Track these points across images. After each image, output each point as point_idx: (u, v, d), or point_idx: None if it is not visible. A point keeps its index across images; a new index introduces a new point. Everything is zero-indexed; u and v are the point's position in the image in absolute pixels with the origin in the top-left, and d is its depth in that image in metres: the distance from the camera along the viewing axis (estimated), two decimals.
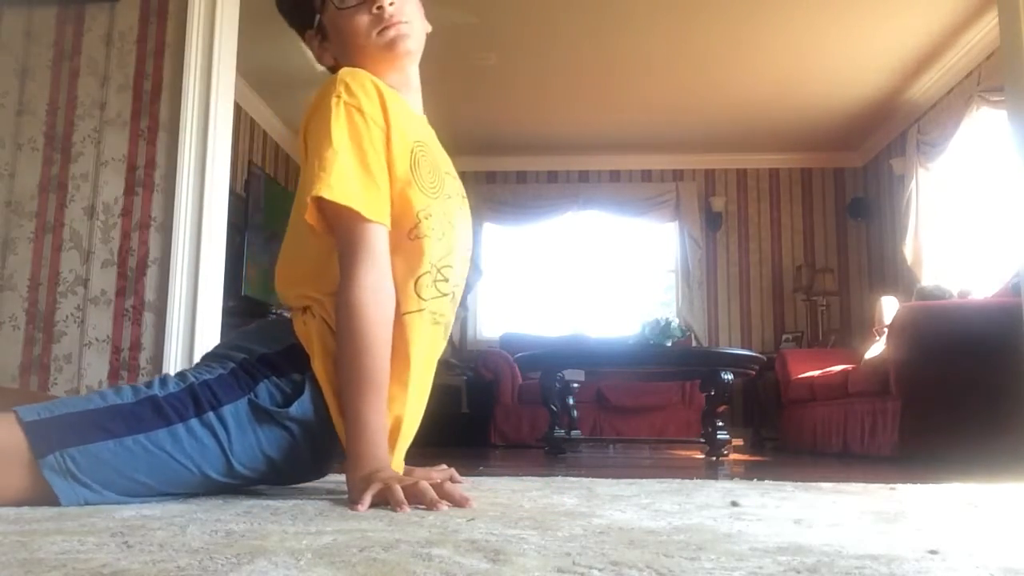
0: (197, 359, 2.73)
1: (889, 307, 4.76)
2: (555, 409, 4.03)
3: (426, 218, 1.31)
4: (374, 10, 1.34)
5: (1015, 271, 3.48)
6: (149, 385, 1.22)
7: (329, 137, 1.24)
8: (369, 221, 1.24)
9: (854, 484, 1.73)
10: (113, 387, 1.24)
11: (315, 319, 1.30)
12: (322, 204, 1.24)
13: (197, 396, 1.20)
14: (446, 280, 1.37)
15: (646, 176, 6.93)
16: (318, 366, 1.27)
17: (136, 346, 2.76)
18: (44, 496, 1.12)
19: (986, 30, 4.53)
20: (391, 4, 1.35)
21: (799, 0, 4.41)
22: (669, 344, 3.97)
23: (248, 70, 4.99)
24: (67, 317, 2.79)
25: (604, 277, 6.98)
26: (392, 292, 1.27)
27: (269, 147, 6.20)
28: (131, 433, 1.15)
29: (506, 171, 6.97)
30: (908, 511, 1.19)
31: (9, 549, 0.73)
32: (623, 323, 6.63)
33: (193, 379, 1.23)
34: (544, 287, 7.00)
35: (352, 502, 1.12)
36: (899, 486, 1.68)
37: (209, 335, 2.81)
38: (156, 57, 2.90)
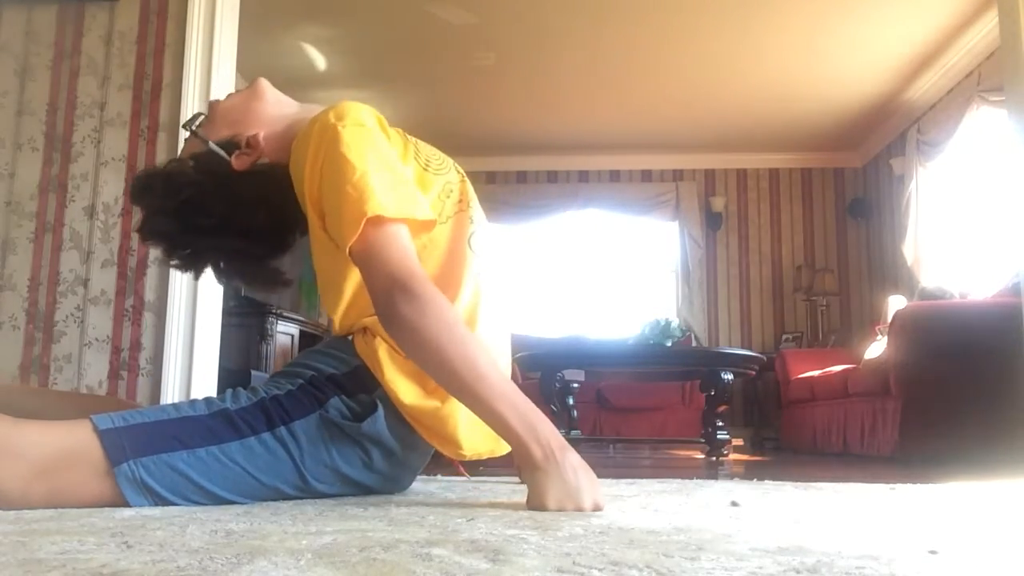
0: (197, 359, 2.75)
1: (896, 306, 4.76)
2: (555, 409, 4.03)
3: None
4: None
5: (1015, 271, 3.48)
6: (222, 399, 1.23)
7: (349, 163, 1.18)
8: (393, 220, 1.19)
9: (854, 484, 1.73)
10: (187, 400, 1.25)
11: (376, 338, 1.26)
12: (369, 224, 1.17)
13: (268, 411, 1.21)
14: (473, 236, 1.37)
15: (646, 176, 6.93)
16: (388, 383, 1.23)
17: (136, 346, 2.76)
18: (117, 502, 1.13)
19: (986, 30, 4.52)
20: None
21: (799, 0, 4.42)
22: (669, 344, 3.96)
23: (248, 70, 4.98)
24: (67, 317, 2.79)
25: (604, 277, 6.98)
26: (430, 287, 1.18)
27: None
28: (204, 444, 1.16)
29: (506, 171, 6.97)
30: (908, 511, 1.19)
31: (9, 549, 0.73)
32: (623, 323, 6.62)
33: (264, 394, 1.23)
34: (544, 287, 7.00)
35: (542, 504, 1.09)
36: (899, 486, 1.68)
37: (209, 335, 2.80)
38: (156, 57, 2.90)
